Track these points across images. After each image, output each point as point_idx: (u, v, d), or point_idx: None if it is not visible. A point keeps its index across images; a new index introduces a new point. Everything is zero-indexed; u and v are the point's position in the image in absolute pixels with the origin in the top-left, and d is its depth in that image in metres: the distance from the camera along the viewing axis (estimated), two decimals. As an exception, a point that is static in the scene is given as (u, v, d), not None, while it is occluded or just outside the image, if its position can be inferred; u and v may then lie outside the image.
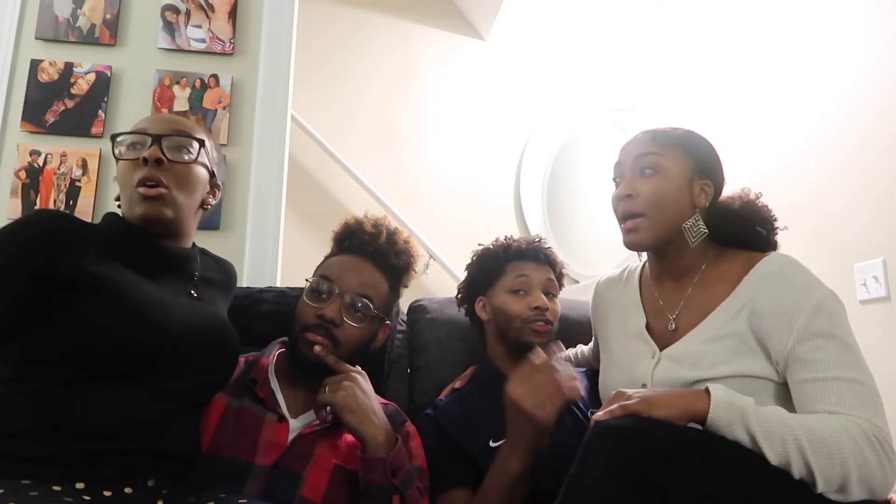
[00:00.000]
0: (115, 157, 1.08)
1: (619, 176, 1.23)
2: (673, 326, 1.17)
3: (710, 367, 1.06)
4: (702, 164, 1.18)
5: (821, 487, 0.89)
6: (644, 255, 1.31)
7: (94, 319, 0.94)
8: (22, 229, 0.98)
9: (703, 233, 1.16)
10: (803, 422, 0.93)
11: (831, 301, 1.04)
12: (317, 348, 1.15)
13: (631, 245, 1.20)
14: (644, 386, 1.14)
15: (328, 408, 1.17)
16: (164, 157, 1.05)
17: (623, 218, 1.20)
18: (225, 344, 1.12)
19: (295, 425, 1.18)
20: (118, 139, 1.09)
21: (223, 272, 1.25)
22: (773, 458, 0.90)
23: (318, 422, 1.18)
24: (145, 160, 1.03)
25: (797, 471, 0.89)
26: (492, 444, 1.26)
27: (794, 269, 1.08)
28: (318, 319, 1.17)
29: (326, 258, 1.31)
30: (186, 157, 1.09)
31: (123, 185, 1.07)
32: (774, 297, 1.05)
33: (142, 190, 1.03)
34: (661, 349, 1.16)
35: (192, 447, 1.07)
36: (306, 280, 1.25)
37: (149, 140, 1.06)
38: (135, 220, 1.05)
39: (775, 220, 1.22)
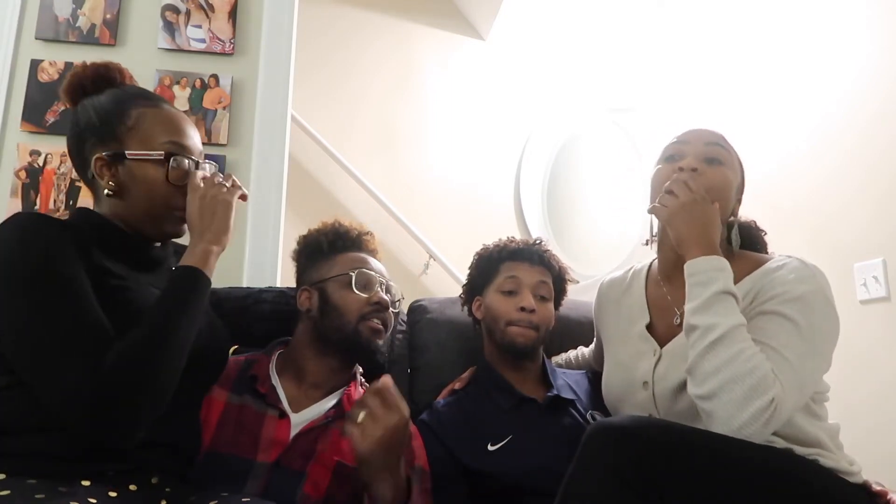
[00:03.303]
0: (167, 177, 1.05)
1: (679, 153, 1.18)
2: (678, 321, 1.17)
3: None
4: (743, 179, 1.22)
5: (691, 385, 0.98)
6: (649, 255, 1.30)
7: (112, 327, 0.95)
8: (51, 233, 0.95)
9: (738, 242, 1.19)
10: (739, 334, 0.97)
11: (816, 298, 1.04)
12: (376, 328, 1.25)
13: None
14: (646, 384, 1.14)
15: (332, 408, 1.21)
16: None
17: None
18: (216, 341, 1.14)
19: (296, 420, 1.18)
20: (174, 159, 1.05)
21: None
22: (697, 320, 0.99)
23: (319, 418, 1.19)
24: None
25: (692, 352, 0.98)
26: (490, 447, 1.26)
27: (796, 264, 1.09)
28: (375, 306, 1.25)
29: (331, 257, 1.32)
30: None
31: (158, 202, 1.05)
32: (766, 284, 1.07)
33: (184, 214, 1.06)
34: (662, 346, 1.16)
35: (192, 439, 1.08)
36: (331, 278, 1.27)
37: (193, 165, 1.08)
38: (152, 230, 1.08)
39: (766, 244, 1.28)
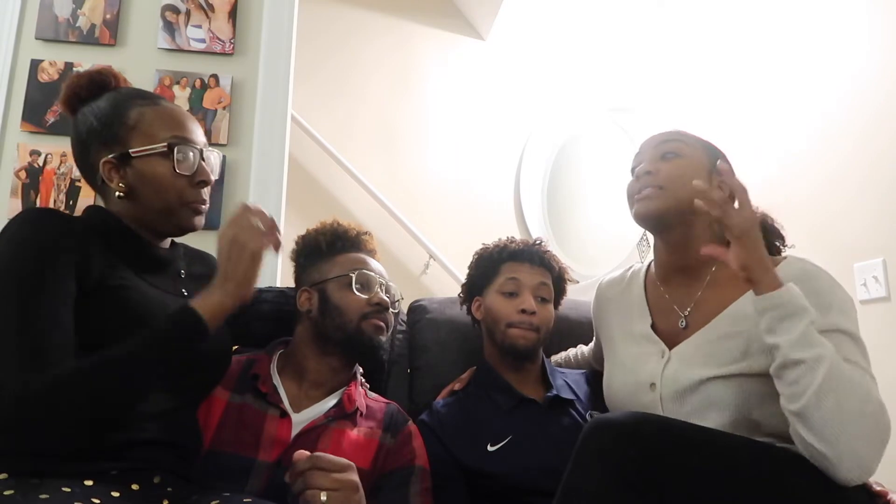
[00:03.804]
0: (174, 168, 1.04)
1: (638, 163, 1.22)
2: (684, 324, 1.16)
3: (719, 366, 1.06)
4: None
5: (805, 430, 0.89)
6: (650, 256, 1.30)
7: (106, 326, 0.95)
8: (47, 228, 0.95)
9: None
10: (839, 361, 0.93)
11: (851, 304, 1.05)
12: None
13: (640, 213, 1.17)
14: (653, 386, 1.13)
15: (333, 408, 1.21)
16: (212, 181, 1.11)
17: (638, 191, 1.17)
18: (221, 344, 1.14)
19: (297, 420, 1.19)
20: (178, 149, 1.05)
21: (206, 265, 1.26)
22: (801, 354, 0.90)
23: (320, 418, 1.19)
24: (203, 182, 1.08)
25: (801, 385, 0.90)
26: (490, 447, 1.26)
27: (817, 270, 1.08)
28: (375, 307, 1.26)
29: (330, 258, 1.32)
30: (216, 175, 1.14)
31: (169, 196, 1.05)
32: (804, 290, 1.05)
33: (199, 206, 1.08)
34: (669, 348, 1.15)
35: (194, 438, 1.08)
36: (331, 278, 1.28)
37: (197, 153, 1.08)
38: (168, 225, 1.08)
39: (784, 237, 1.23)
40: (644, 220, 1.18)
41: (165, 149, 1.04)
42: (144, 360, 0.90)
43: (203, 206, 1.10)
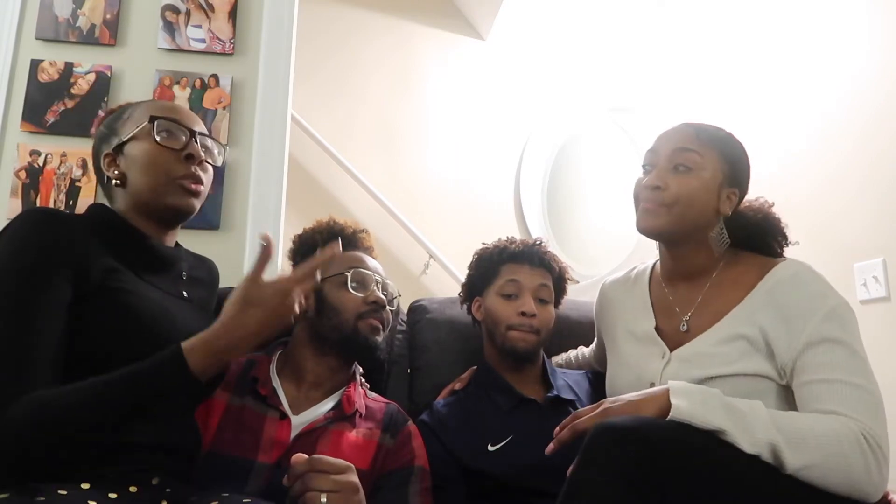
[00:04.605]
0: (155, 141, 1.05)
1: (650, 163, 1.18)
2: (685, 327, 1.16)
3: (719, 367, 1.06)
4: (735, 171, 1.17)
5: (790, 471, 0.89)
6: (654, 255, 1.30)
7: (104, 330, 0.95)
8: (43, 232, 0.95)
9: (726, 242, 1.17)
10: (778, 414, 0.94)
11: (844, 309, 1.04)
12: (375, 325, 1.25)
13: (644, 227, 1.16)
14: (652, 385, 1.13)
15: (331, 409, 1.21)
16: (205, 159, 1.10)
17: (645, 200, 1.16)
18: None
19: (297, 422, 1.19)
20: (158, 122, 1.06)
21: (207, 270, 1.26)
22: (746, 443, 0.89)
23: (319, 419, 1.19)
24: (190, 156, 1.07)
25: (767, 455, 0.89)
26: (490, 447, 1.26)
27: (810, 275, 1.08)
28: (372, 305, 1.25)
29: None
30: (215, 160, 1.15)
31: (156, 171, 1.05)
32: (788, 301, 1.05)
33: (188, 184, 1.07)
34: (671, 350, 1.15)
35: (192, 440, 1.08)
36: (327, 278, 1.26)
37: (186, 133, 1.08)
38: (160, 206, 1.07)
39: (787, 235, 1.22)
40: (646, 234, 1.19)
41: (147, 123, 1.07)
42: (112, 409, 0.88)
43: (194, 186, 1.08)
